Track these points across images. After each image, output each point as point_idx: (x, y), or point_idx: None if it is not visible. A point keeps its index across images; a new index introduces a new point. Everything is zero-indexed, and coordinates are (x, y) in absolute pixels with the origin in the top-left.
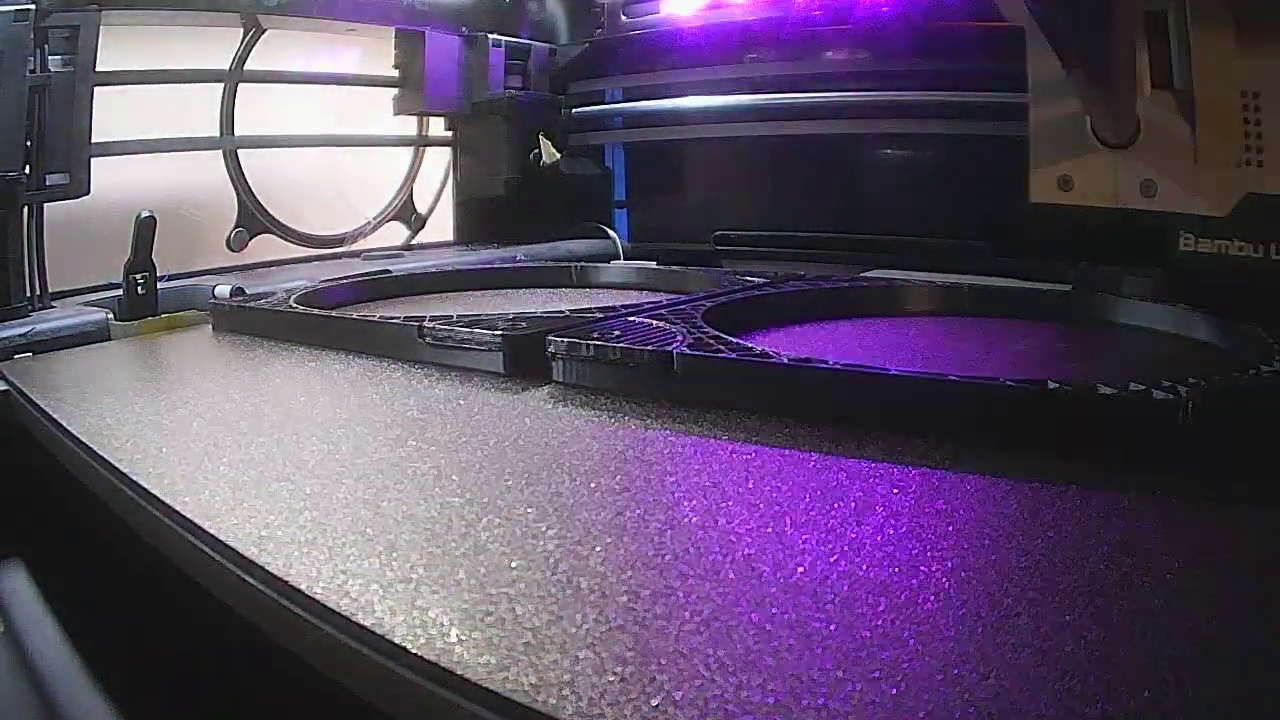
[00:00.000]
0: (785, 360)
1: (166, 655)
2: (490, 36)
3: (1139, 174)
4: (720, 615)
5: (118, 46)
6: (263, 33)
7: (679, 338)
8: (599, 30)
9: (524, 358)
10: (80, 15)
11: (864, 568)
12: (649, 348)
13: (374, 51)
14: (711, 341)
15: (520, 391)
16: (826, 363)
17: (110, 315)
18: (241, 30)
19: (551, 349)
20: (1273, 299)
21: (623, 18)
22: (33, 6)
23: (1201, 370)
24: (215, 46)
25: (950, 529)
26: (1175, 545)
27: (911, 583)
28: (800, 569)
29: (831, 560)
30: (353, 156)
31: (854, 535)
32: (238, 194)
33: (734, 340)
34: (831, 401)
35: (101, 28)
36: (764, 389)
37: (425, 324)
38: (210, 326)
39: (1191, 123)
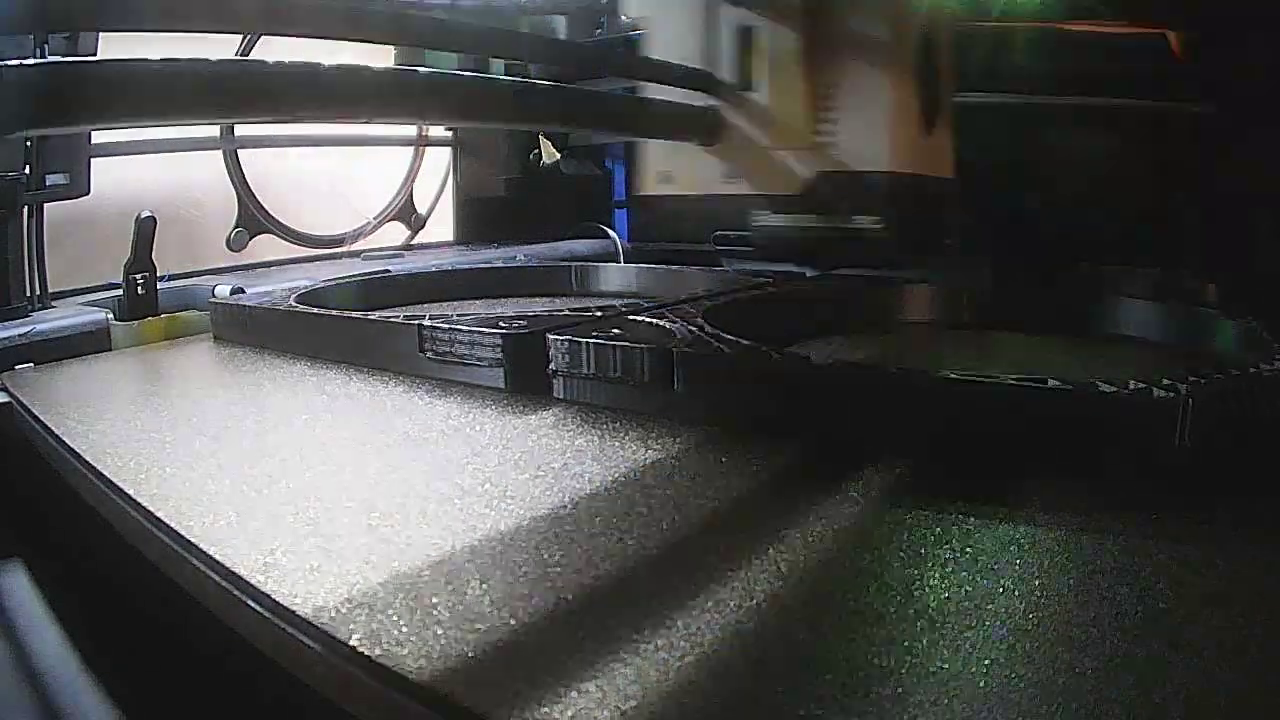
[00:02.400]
0: (785, 360)
1: (167, 656)
2: None
3: (722, 165)
4: (720, 649)
5: (118, 47)
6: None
7: (678, 337)
8: (599, 30)
9: (525, 365)
10: None
11: (856, 597)
12: (649, 346)
13: (374, 51)
14: (711, 340)
15: (522, 409)
16: (824, 363)
17: (110, 315)
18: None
19: (552, 364)
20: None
21: (623, 17)
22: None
23: (1202, 370)
24: (215, 47)
25: (947, 556)
26: (1173, 575)
27: (907, 613)
28: (795, 599)
29: (827, 589)
30: (353, 156)
31: (847, 563)
32: (238, 194)
33: (734, 339)
34: (830, 404)
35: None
36: (763, 390)
37: (425, 323)
38: (211, 335)
39: (767, 119)
